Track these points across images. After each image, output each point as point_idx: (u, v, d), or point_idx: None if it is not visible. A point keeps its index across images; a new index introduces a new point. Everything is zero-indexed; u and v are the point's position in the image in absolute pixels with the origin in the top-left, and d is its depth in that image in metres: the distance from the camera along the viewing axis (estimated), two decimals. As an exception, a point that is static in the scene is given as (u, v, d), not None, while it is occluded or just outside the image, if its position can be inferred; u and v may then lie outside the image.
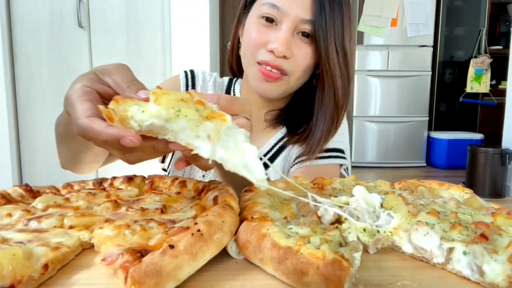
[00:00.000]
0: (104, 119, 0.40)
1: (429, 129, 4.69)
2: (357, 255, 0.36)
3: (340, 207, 0.46)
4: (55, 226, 0.44)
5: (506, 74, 3.39)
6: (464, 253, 0.37)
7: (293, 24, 0.77)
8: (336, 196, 0.51)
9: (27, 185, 0.57)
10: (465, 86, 4.67)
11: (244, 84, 0.98)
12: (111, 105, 0.40)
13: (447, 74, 5.09)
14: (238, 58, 0.93)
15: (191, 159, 0.45)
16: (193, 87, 0.97)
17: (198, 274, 0.35)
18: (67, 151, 0.71)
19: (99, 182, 0.62)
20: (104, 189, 0.59)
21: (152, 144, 0.42)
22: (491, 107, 4.67)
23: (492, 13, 4.81)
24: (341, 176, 0.93)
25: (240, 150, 0.39)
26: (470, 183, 3.35)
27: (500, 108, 3.93)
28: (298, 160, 0.89)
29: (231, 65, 0.99)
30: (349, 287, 0.33)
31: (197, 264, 0.35)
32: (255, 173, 0.38)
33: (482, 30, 4.72)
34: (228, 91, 1.01)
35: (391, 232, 0.43)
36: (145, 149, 0.43)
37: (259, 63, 0.80)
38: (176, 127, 0.39)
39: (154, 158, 0.47)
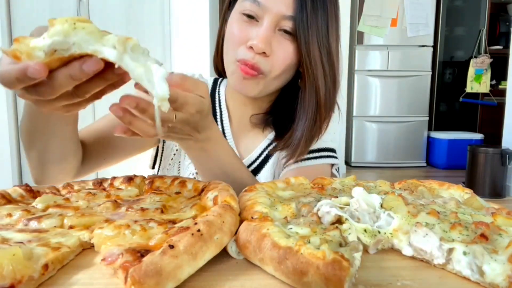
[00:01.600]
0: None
1: (429, 129, 4.70)
2: (357, 255, 0.36)
3: (341, 207, 0.46)
4: (55, 226, 0.44)
5: (506, 74, 3.39)
6: (464, 253, 0.37)
7: (274, 20, 0.76)
8: (336, 197, 0.51)
9: (27, 185, 0.57)
10: (465, 86, 4.67)
11: (229, 84, 0.97)
12: (14, 45, 0.40)
13: (447, 74, 5.10)
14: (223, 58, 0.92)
15: (129, 120, 0.48)
16: None
17: (198, 274, 0.35)
18: (35, 154, 0.71)
19: (99, 182, 0.62)
20: (104, 189, 0.59)
21: (66, 72, 0.41)
22: (491, 107, 4.67)
23: (492, 13, 4.81)
24: (332, 176, 0.92)
25: (147, 68, 0.41)
26: (470, 183, 3.35)
27: (500, 108, 3.93)
28: (285, 163, 0.88)
29: (216, 65, 0.97)
30: (349, 287, 0.33)
31: (197, 264, 0.35)
32: (158, 91, 0.40)
33: (482, 30, 4.72)
34: (213, 92, 0.99)
35: (391, 233, 0.43)
36: (62, 82, 0.41)
37: (237, 61, 0.78)
38: (76, 39, 0.40)
39: (78, 98, 0.46)
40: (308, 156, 0.87)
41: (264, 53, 0.75)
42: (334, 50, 0.81)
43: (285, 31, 0.77)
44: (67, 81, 0.41)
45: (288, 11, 0.75)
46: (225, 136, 0.92)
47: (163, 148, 0.97)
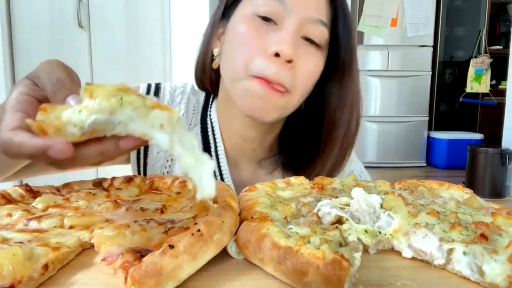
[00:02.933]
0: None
1: (429, 129, 4.70)
2: (357, 255, 0.36)
3: (342, 208, 0.46)
4: (55, 226, 0.44)
5: (506, 74, 3.39)
6: (464, 253, 0.37)
7: (300, 23, 0.61)
8: (336, 197, 0.51)
9: (27, 185, 0.57)
10: (465, 86, 4.67)
11: (223, 107, 0.75)
12: (40, 116, 0.33)
13: (447, 74, 5.09)
14: (213, 75, 0.75)
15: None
16: None
17: (198, 274, 0.35)
18: None
19: (99, 182, 0.62)
20: (104, 189, 0.59)
21: (98, 149, 0.34)
22: (491, 107, 4.67)
23: (492, 13, 4.81)
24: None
25: (197, 159, 0.35)
26: (470, 183, 3.35)
27: (500, 108, 3.93)
28: None
29: (202, 83, 0.78)
30: (349, 287, 0.33)
31: (197, 264, 0.35)
32: (205, 189, 0.34)
33: (482, 30, 4.72)
34: (204, 115, 0.79)
35: (391, 234, 0.43)
36: (89, 157, 0.34)
37: (254, 77, 0.62)
38: (123, 117, 0.33)
39: (105, 164, 0.41)
40: None
41: (289, 62, 0.60)
42: (355, 64, 0.69)
43: (308, 40, 0.63)
44: (95, 157, 0.35)
45: (319, 14, 0.62)
46: (221, 172, 0.76)
47: (145, 164, 0.79)
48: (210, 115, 0.78)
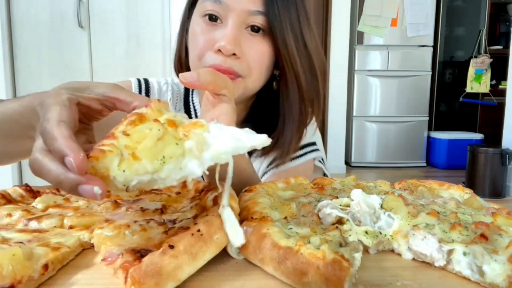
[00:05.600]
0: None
1: (429, 129, 4.70)
2: (357, 255, 0.36)
3: (342, 209, 0.46)
4: (55, 226, 0.44)
5: (506, 74, 3.39)
6: (464, 253, 0.37)
7: (240, 18, 0.69)
8: (336, 197, 0.51)
9: (27, 185, 0.57)
10: (465, 86, 4.67)
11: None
12: (91, 161, 0.34)
13: (447, 74, 5.09)
14: (188, 68, 0.83)
15: None
16: None
17: (198, 274, 0.35)
18: None
19: (99, 182, 0.62)
20: (104, 189, 0.59)
21: None
22: (491, 107, 4.67)
23: (492, 13, 4.81)
24: (315, 169, 0.91)
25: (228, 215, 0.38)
26: (470, 183, 3.35)
27: (500, 108, 3.93)
28: (272, 166, 0.84)
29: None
30: (349, 287, 0.33)
31: (197, 264, 0.35)
32: (238, 240, 0.37)
33: (482, 30, 4.72)
34: (186, 100, 0.92)
35: (391, 235, 0.43)
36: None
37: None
38: (164, 175, 0.35)
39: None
40: (293, 156, 0.84)
41: (234, 55, 0.69)
42: (309, 44, 0.76)
43: (253, 29, 0.71)
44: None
45: (256, 6, 0.70)
46: None
47: None
48: (192, 100, 0.91)
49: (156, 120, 0.37)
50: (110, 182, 0.34)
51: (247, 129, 0.38)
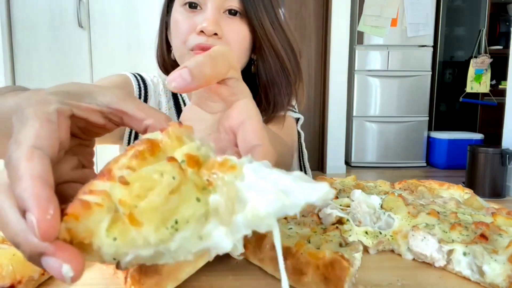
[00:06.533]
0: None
1: (429, 129, 4.69)
2: (357, 255, 0.36)
3: (342, 209, 0.46)
4: (55, 226, 0.43)
5: (506, 74, 3.39)
6: (464, 253, 0.37)
7: (217, 2, 0.75)
8: (336, 197, 0.51)
9: (27, 185, 0.56)
10: (465, 86, 4.67)
11: None
12: (68, 221, 0.22)
13: (447, 74, 5.09)
14: (173, 64, 0.87)
15: None
16: (146, 98, 0.89)
17: (198, 274, 0.35)
18: None
19: (99, 182, 0.61)
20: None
21: None
22: (491, 107, 4.67)
23: (492, 13, 4.81)
24: (298, 134, 0.94)
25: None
26: (470, 183, 3.35)
27: (500, 108, 3.93)
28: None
29: (167, 71, 0.89)
30: (349, 287, 0.33)
31: (197, 264, 0.35)
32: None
33: (482, 30, 4.72)
34: (175, 95, 0.95)
35: (391, 236, 0.43)
36: None
37: (191, 50, 0.75)
38: (175, 246, 0.23)
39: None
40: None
41: (216, 34, 0.74)
42: (284, 25, 0.81)
43: (231, 12, 0.76)
44: None
45: None
46: None
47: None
48: (181, 94, 0.93)
49: (172, 159, 0.24)
50: (93, 252, 0.23)
51: (297, 173, 0.24)
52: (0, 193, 0.24)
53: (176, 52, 0.81)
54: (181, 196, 0.23)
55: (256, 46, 0.80)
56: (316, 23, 4.38)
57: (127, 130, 0.90)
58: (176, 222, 0.23)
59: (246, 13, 0.76)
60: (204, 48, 0.73)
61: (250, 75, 0.85)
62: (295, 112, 0.93)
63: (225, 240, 0.24)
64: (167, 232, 0.23)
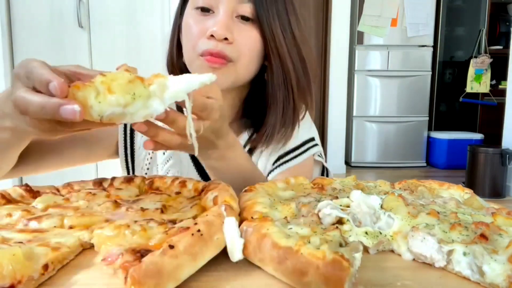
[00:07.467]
0: None
1: (429, 129, 4.70)
2: (357, 255, 0.36)
3: (342, 209, 0.46)
4: (55, 226, 0.44)
5: (506, 74, 3.39)
6: (464, 253, 0.37)
7: (230, 7, 0.73)
8: (336, 197, 0.51)
9: (27, 185, 0.57)
10: (465, 86, 4.67)
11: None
12: (73, 89, 0.40)
13: (447, 74, 5.09)
14: (182, 67, 0.85)
15: (149, 135, 0.48)
16: None
17: (198, 274, 0.35)
18: None
19: (99, 182, 0.62)
20: (104, 189, 0.59)
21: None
22: (491, 107, 4.67)
23: (492, 13, 4.81)
24: (316, 164, 0.92)
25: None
26: (470, 183, 3.35)
27: (500, 108, 3.93)
28: (276, 164, 0.85)
29: (172, 70, 0.89)
30: (349, 287, 0.33)
31: (197, 264, 0.35)
32: (236, 253, 0.38)
33: (482, 30, 4.72)
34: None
35: (391, 236, 0.43)
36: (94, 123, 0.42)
37: (201, 55, 0.74)
38: (133, 110, 0.41)
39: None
40: (290, 156, 0.86)
41: (226, 39, 0.72)
42: (297, 34, 0.79)
43: (243, 17, 0.75)
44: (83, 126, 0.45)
45: None
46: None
47: (132, 160, 0.90)
48: None
49: (127, 70, 0.44)
50: (87, 111, 0.39)
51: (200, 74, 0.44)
52: (23, 92, 0.41)
53: (186, 56, 0.80)
54: (134, 85, 0.41)
55: (267, 50, 0.78)
56: (316, 23, 4.38)
57: (122, 145, 0.88)
58: (134, 94, 0.40)
59: (258, 18, 0.75)
60: (213, 54, 0.72)
61: (263, 82, 0.83)
62: (313, 147, 0.90)
63: (159, 106, 0.42)
64: (129, 98, 0.40)
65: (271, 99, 0.81)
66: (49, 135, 0.47)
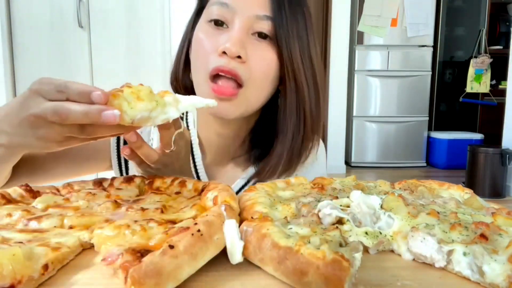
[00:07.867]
0: None
1: (429, 129, 4.70)
2: (357, 255, 0.36)
3: (343, 209, 0.46)
4: (55, 226, 0.44)
5: (506, 74, 3.39)
6: (464, 254, 0.37)
7: (246, 22, 0.67)
8: (336, 197, 0.51)
9: (27, 185, 0.57)
10: (465, 86, 4.67)
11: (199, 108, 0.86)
12: (110, 97, 0.47)
13: (447, 74, 5.09)
14: (187, 81, 0.80)
15: (135, 145, 0.57)
16: None
17: (198, 274, 0.35)
18: None
19: (99, 182, 0.62)
20: (104, 189, 0.59)
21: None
22: (491, 107, 4.67)
23: (492, 13, 4.81)
24: None
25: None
26: (470, 183, 3.35)
27: (500, 108, 3.93)
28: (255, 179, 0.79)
29: (176, 90, 0.83)
30: (349, 287, 0.33)
31: (197, 264, 0.35)
32: (233, 256, 0.38)
33: (482, 30, 4.72)
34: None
35: (391, 236, 0.43)
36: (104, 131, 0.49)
37: (212, 78, 0.68)
38: (155, 114, 0.49)
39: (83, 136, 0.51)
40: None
41: (239, 57, 0.66)
42: (314, 58, 0.73)
43: (260, 35, 0.69)
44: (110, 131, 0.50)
45: (263, 11, 0.67)
46: (196, 171, 0.81)
47: (127, 171, 0.86)
48: (186, 117, 0.86)
49: (128, 87, 0.50)
50: (121, 115, 0.46)
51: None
52: (59, 103, 0.46)
53: (194, 74, 0.73)
54: (154, 95, 0.50)
55: (282, 78, 0.72)
56: (316, 23, 4.38)
57: (115, 159, 0.84)
58: (156, 101, 0.49)
59: (276, 37, 0.68)
60: (224, 71, 0.66)
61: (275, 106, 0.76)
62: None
63: (175, 113, 0.51)
64: (154, 104, 0.49)
65: (281, 127, 0.75)
66: (55, 147, 0.52)
